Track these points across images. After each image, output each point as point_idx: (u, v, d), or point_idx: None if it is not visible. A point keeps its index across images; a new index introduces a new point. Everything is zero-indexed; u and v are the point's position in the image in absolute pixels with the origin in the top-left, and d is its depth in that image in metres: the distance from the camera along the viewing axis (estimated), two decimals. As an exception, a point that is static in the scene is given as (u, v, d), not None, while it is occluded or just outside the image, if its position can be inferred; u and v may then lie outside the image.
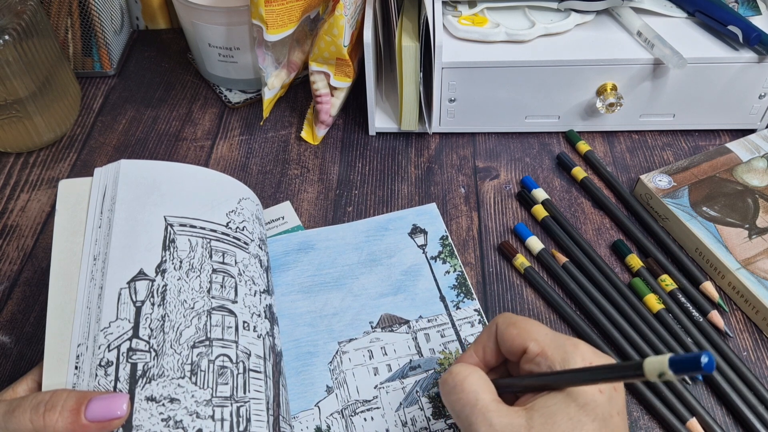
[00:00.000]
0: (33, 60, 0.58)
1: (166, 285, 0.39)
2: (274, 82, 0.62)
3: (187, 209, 0.43)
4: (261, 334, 0.41)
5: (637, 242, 0.53)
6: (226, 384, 0.37)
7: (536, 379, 0.34)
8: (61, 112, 0.63)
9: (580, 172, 0.58)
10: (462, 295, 0.49)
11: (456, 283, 0.50)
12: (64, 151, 0.63)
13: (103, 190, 0.42)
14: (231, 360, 0.38)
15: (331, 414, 0.43)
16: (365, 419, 0.43)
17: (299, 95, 0.68)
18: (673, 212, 0.52)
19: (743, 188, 0.54)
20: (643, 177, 0.55)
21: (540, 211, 0.55)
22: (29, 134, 0.61)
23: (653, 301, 0.48)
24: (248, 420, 0.37)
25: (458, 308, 0.49)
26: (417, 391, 0.45)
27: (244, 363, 0.39)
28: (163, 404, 0.35)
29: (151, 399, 0.35)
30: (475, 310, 0.49)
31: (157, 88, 0.70)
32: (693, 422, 0.42)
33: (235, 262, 0.43)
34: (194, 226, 0.42)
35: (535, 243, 0.52)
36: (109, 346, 0.36)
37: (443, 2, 0.59)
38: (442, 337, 0.47)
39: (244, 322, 0.40)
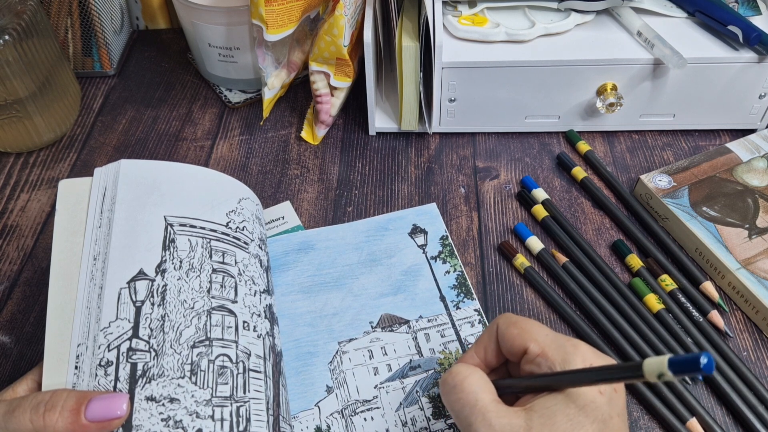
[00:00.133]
0: (33, 60, 0.58)
1: (166, 285, 0.39)
2: (274, 82, 0.62)
3: (187, 209, 0.43)
4: (261, 334, 0.41)
5: (637, 242, 0.53)
6: (226, 384, 0.37)
7: (536, 379, 0.34)
8: (61, 112, 0.63)
9: (580, 172, 0.58)
10: (462, 295, 0.49)
11: (456, 283, 0.50)
12: (64, 151, 0.63)
13: (103, 190, 0.42)
14: (231, 360, 0.38)
15: (331, 414, 0.43)
16: (365, 419, 0.43)
17: (299, 95, 0.68)
18: (673, 212, 0.52)
19: (743, 188, 0.54)
20: (643, 177, 0.55)
21: (540, 211, 0.55)
22: (29, 134, 0.61)
23: (653, 301, 0.48)
24: (248, 420, 0.37)
25: (458, 308, 0.49)
26: (417, 391, 0.45)
27: (244, 363, 0.39)
28: (163, 404, 0.35)
29: (151, 399, 0.35)
30: (475, 310, 0.49)
31: (157, 88, 0.70)
32: (693, 422, 0.42)
33: (235, 262, 0.43)
34: (194, 226, 0.42)
35: (535, 243, 0.52)
36: (109, 346, 0.36)
37: (443, 2, 0.59)
38: (442, 337, 0.47)
39: (244, 322, 0.40)
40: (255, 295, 0.43)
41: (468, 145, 0.62)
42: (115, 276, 0.38)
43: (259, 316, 0.42)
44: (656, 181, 0.55)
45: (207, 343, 0.38)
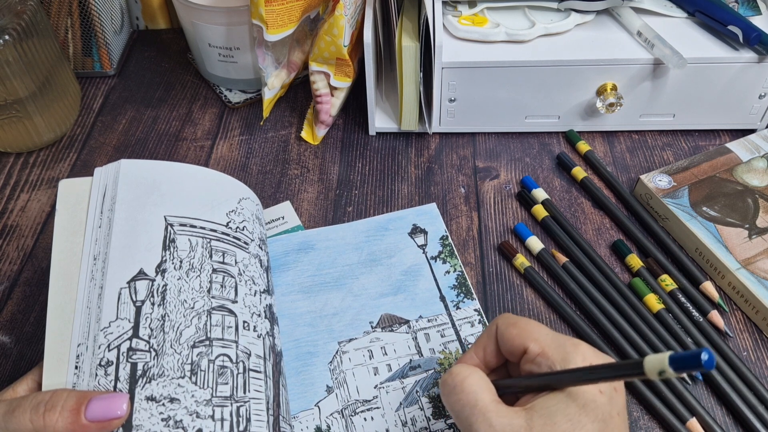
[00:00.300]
0: (33, 60, 0.58)
1: (166, 285, 0.39)
2: (274, 82, 0.62)
3: (187, 209, 0.43)
4: (261, 334, 0.41)
5: (637, 242, 0.53)
6: (226, 384, 0.37)
7: (536, 379, 0.34)
8: (61, 112, 0.63)
9: (580, 172, 0.58)
10: (462, 295, 0.49)
11: (456, 283, 0.50)
12: (64, 151, 0.63)
13: (103, 190, 0.42)
14: (231, 360, 0.38)
15: (331, 414, 0.43)
16: (365, 419, 0.43)
17: (299, 95, 0.68)
18: (673, 212, 0.52)
19: (743, 188, 0.54)
20: (643, 177, 0.55)
21: (540, 211, 0.55)
22: (29, 134, 0.61)
23: (653, 301, 0.48)
24: (248, 420, 0.37)
25: (458, 308, 0.49)
26: (417, 391, 0.45)
27: (244, 363, 0.39)
28: (163, 404, 0.35)
29: (151, 399, 0.35)
30: (475, 310, 0.49)
31: (157, 88, 0.70)
32: (693, 422, 0.42)
33: (235, 262, 0.43)
34: (194, 226, 0.42)
35: (535, 243, 0.52)
36: (109, 345, 0.36)
37: (443, 2, 0.60)
38: (442, 337, 0.47)
39: (244, 321, 0.40)
40: (255, 295, 0.43)
41: (468, 145, 0.62)
42: (115, 276, 0.38)
43: (259, 316, 0.42)
44: (656, 181, 0.55)
45: (207, 343, 0.38)
